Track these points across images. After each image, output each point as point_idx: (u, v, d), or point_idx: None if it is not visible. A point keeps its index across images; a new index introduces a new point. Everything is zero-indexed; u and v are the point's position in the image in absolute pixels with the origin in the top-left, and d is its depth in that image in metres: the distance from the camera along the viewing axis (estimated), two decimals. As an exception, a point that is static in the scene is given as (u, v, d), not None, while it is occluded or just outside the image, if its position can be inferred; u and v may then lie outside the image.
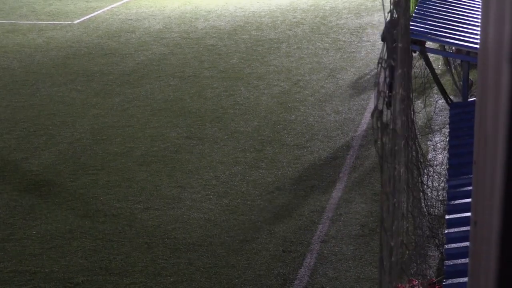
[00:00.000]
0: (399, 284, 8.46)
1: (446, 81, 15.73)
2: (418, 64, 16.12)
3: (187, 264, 9.35)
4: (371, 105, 15.43)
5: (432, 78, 15.30)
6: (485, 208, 2.64)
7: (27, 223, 10.42)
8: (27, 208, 10.86)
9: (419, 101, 15.48)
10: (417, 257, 9.00)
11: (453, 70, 15.49)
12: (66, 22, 23.64)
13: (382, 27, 21.51)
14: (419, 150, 10.79)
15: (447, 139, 11.33)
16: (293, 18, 23.85)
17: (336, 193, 11.28)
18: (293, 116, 14.62)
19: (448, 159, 9.82)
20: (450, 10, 14.58)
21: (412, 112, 9.56)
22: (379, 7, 25.10)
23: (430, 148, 13.03)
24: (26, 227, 10.31)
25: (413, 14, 13.75)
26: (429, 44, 14.97)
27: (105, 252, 9.64)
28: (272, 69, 17.90)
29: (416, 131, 10.62)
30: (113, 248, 9.73)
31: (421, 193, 10.26)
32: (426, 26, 13.46)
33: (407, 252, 8.40)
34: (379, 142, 3.31)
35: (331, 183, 11.62)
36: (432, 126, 14.18)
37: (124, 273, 9.15)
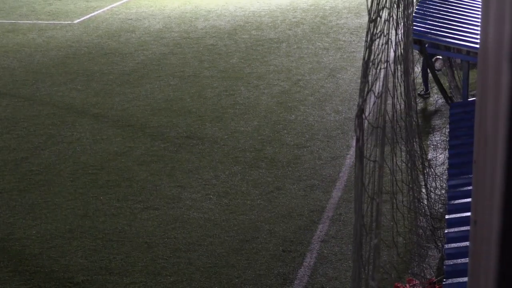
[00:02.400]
0: (399, 284, 8.46)
1: (446, 81, 15.72)
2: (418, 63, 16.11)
3: (187, 264, 9.35)
4: (372, 105, 15.41)
5: (432, 78, 15.30)
6: (485, 208, 2.64)
7: (27, 223, 10.42)
8: (27, 208, 10.86)
9: (419, 101, 15.48)
10: (417, 257, 9.00)
11: (453, 72, 15.48)
12: (66, 22, 23.64)
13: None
14: (422, 150, 10.79)
15: (447, 139, 11.33)
16: (293, 18, 23.85)
17: (336, 193, 11.27)
18: (293, 116, 14.61)
19: (448, 159, 9.83)
20: (450, 10, 14.59)
21: (415, 113, 9.56)
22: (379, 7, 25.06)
23: (430, 148, 13.03)
24: (26, 227, 10.31)
25: (413, 14, 13.75)
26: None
27: (105, 251, 9.64)
28: (272, 69, 17.90)
29: (418, 131, 10.62)
30: (113, 247, 9.73)
31: (422, 193, 10.26)
32: (426, 26, 13.47)
33: (397, 252, 8.39)
34: (360, 141, 3.32)
35: (331, 183, 11.62)
36: (432, 126, 14.19)
37: (124, 273, 9.15)
